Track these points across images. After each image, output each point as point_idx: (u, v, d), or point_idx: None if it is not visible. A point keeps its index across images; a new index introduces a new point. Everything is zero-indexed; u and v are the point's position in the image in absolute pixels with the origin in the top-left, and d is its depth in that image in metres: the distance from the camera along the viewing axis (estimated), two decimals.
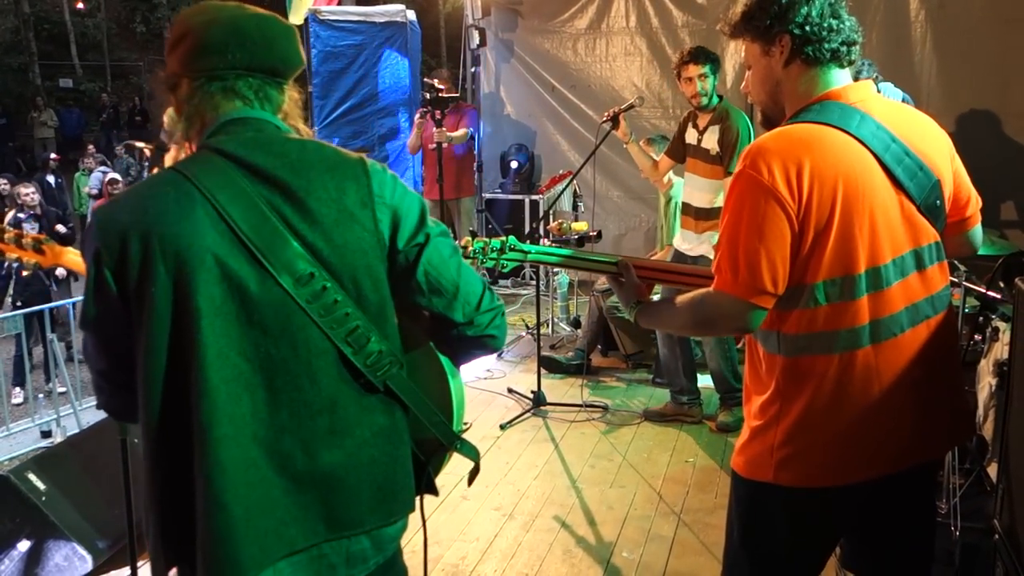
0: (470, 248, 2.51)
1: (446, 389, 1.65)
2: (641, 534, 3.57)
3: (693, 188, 4.46)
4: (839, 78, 1.78)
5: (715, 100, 4.34)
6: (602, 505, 3.83)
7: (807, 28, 1.74)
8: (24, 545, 3.42)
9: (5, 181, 10.17)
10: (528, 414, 4.86)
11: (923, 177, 1.74)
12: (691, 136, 4.47)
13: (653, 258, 5.18)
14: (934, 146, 1.78)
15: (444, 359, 1.66)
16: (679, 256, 4.53)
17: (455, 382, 1.67)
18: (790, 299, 1.71)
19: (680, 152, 4.59)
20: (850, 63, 1.79)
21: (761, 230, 1.66)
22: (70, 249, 2.47)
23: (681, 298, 1.86)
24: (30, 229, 6.45)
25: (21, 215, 7.20)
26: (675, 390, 4.73)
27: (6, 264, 6.82)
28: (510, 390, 5.19)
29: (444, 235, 1.58)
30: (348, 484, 1.48)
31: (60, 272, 6.95)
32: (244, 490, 1.39)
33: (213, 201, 1.39)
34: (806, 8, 1.74)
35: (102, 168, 12.54)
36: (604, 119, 4.62)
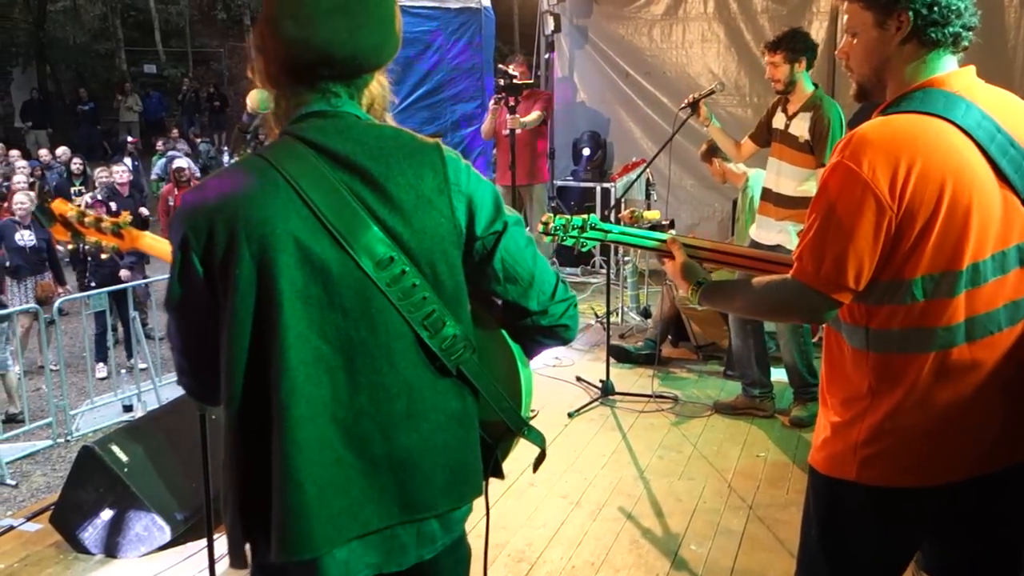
0: (551, 224, 2.50)
1: (515, 376, 1.65)
2: (710, 528, 3.52)
3: (776, 174, 4.35)
4: (948, 64, 1.69)
5: (807, 87, 4.23)
6: (670, 497, 3.79)
7: (934, 9, 1.63)
8: (107, 514, 3.55)
9: (80, 160, 10.51)
10: (596, 403, 4.83)
11: None
12: (779, 121, 4.36)
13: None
14: None
15: (515, 347, 1.66)
16: (754, 246, 4.41)
17: (524, 370, 1.67)
18: (884, 294, 1.66)
19: (764, 137, 4.49)
20: (964, 49, 1.70)
21: (853, 226, 1.61)
22: (147, 233, 2.51)
23: (757, 280, 1.82)
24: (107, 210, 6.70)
25: (99, 197, 7.47)
26: (747, 382, 4.64)
27: (82, 246, 7.09)
28: (578, 378, 5.17)
29: (519, 224, 1.58)
30: (423, 468, 1.49)
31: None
32: (319, 469, 1.41)
33: (295, 186, 1.41)
34: None
35: (169, 153, 12.88)
36: (683, 105, 4.55)
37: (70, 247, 3.03)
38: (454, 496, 1.54)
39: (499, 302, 1.61)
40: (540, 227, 2.56)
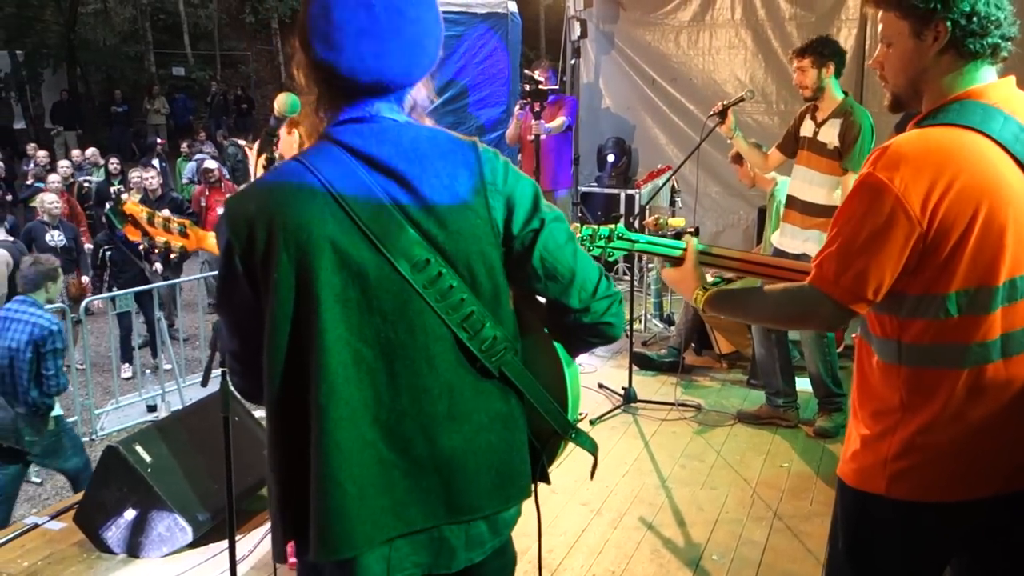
0: (578, 235, 2.49)
1: (561, 377, 1.64)
2: (732, 538, 3.49)
3: (803, 181, 4.31)
4: (986, 75, 1.66)
5: (836, 94, 4.19)
6: (692, 506, 3.76)
7: (973, 19, 1.59)
8: (130, 514, 3.57)
9: (117, 160, 10.61)
10: (618, 410, 4.81)
11: None
12: (807, 128, 4.32)
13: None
14: None
15: (560, 347, 1.65)
16: (779, 254, 4.37)
17: (570, 370, 1.66)
18: (916, 308, 1.64)
19: (792, 147, 4.44)
20: (1003, 60, 1.66)
21: (879, 240, 1.59)
22: (212, 233, 2.58)
23: (771, 287, 1.80)
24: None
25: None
26: (771, 392, 4.60)
27: (102, 252, 7.19)
28: (601, 385, 5.15)
29: (559, 220, 1.56)
30: (467, 469, 1.50)
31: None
32: (358, 470, 1.43)
33: (332, 190, 1.42)
34: None
35: (198, 156, 12.99)
36: (712, 113, 4.52)
37: (141, 246, 3.14)
38: (500, 498, 1.54)
39: (542, 301, 1.60)
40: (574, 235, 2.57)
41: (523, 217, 1.51)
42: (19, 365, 4.41)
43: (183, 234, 2.50)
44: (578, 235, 2.47)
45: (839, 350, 4.55)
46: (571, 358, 1.67)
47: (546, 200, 1.57)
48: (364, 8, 1.41)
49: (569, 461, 1.72)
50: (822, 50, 4.14)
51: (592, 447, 1.67)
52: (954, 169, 1.56)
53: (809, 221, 4.24)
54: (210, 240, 2.54)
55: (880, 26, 1.72)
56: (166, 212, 2.63)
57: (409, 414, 1.46)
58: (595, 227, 2.49)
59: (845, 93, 4.23)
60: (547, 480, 1.67)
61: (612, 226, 2.45)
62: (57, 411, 4.65)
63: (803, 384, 4.61)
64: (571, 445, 1.67)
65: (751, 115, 7.11)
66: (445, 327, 1.47)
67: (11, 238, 6.80)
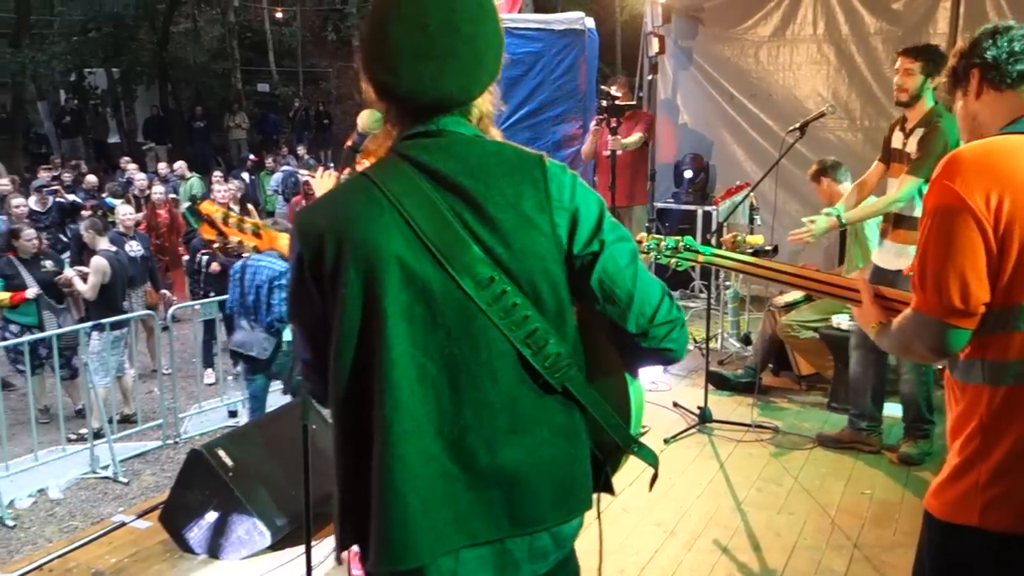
0: (644, 243, 2.50)
1: (624, 392, 1.64)
2: (810, 565, 3.40)
3: None
4: None
5: (928, 103, 4.03)
6: (769, 531, 3.68)
7: (991, 56, 1.77)
8: (212, 516, 3.67)
9: (220, 175, 11.00)
10: (693, 430, 4.75)
11: None
12: (897, 140, 4.20)
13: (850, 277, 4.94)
14: None
15: None
16: (878, 271, 4.21)
17: (634, 385, 1.66)
18: (995, 322, 1.60)
19: (888, 156, 4.33)
20: None
21: (950, 244, 1.58)
22: (284, 234, 2.66)
23: (897, 317, 1.79)
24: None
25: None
26: (855, 413, 4.46)
27: (198, 259, 7.42)
28: (675, 404, 5.09)
29: (622, 240, 1.54)
30: (530, 482, 1.50)
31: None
32: (422, 483, 1.44)
33: (399, 206, 1.44)
34: (988, 43, 1.76)
35: (285, 169, 13.36)
36: (791, 129, 4.44)
37: (215, 245, 3.30)
38: (563, 510, 1.54)
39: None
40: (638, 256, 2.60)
41: (584, 238, 1.51)
42: (262, 298, 5.56)
43: (256, 234, 2.57)
44: (644, 243, 2.48)
45: (936, 368, 4.36)
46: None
47: (622, 216, 1.56)
48: (420, 29, 1.43)
49: (641, 482, 1.70)
50: (936, 59, 3.97)
51: (653, 460, 1.65)
52: (1012, 169, 1.59)
53: (903, 235, 4.10)
54: (281, 241, 2.60)
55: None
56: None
57: (472, 428, 1.47)
58: (660, 237, 2.50)
59: (936, 102, 4.09)
60: (611, 491, 1.67)
61: (679, 238, 2.46)
62: (286, 336, 5.65)
63: (889, 410, 4.47)
64: (642, 464, 1.66)
65: (833, 131, 6.97)
66: (508, 344, 1.47)
67: (113, 248, 7.07)
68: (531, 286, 1.47)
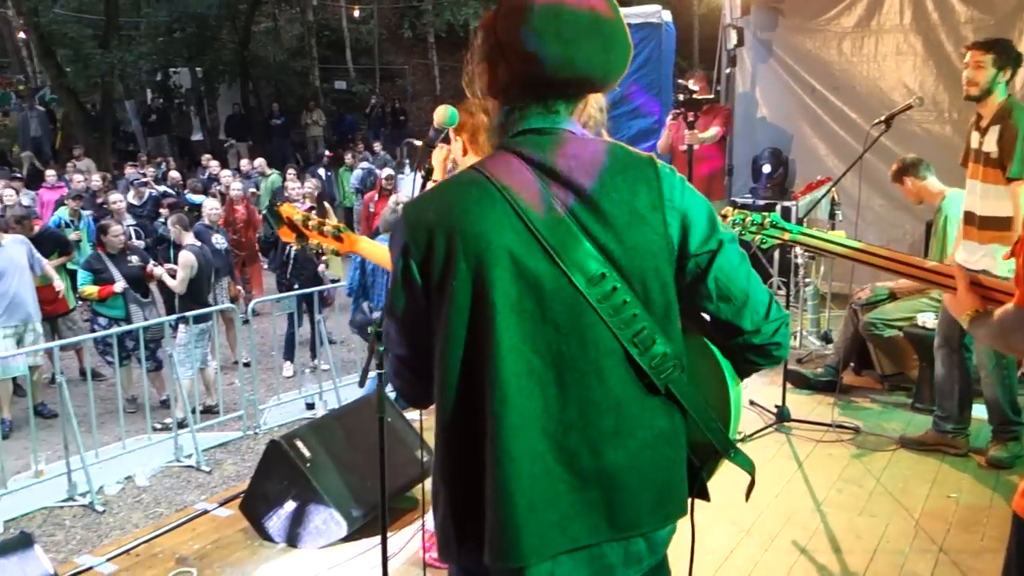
0: (729, 218, 2.45)
1: (725, 395, 1.62)
2: (893, 569, 3.30)
3: (975, 195, 4.05)
4: None
5: (1000, 97, 3.90)
6: (850, 533, 3.58)
7: None
8: (290, 506, 3.75)
9: (293, 172, 11.24)
10: (771, 429, 4.66)
11: None
12: (974, 140, 4.06)
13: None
14: None
15: (725, 364, 1.62)
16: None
17: (735, 389, 1.64)
18: None
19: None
20: None
21: None
22: (364, 238, 2.69)
23: (998, 309, 1.74)
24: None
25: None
26: (941, 415, 4.31)
27: (287, 249, 7.54)
28: (752, 402, 4.99)
29: (734, 241, 1.55)
30: (630, 485, 1.48)
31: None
32: (529, 481, 1.43)
33: (511, 201, 1.44)
34: None
35: (363, 165, 13.53)
36: (876, 122, 4.31)
37: (295, 248, 3.34)
38: (660, 516, 1.53)
39: (708, 319, 1.58)
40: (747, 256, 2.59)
41: (700, 237, 1.50)
42: (379, 282, 5.94)
43: (336, 237, 2.58)
44: (729, 218, 2.43)
45: (1020, 372, 4.21)
46: (736, 376, 1.64)
47: None
48: (588, 9, 1.45)
49: (718, 477, 1.68)
50: (1008, 52, 3.86)
51: (750, 467, 1.63)
52: None
53: (986, 235, 3.99)
54: (362, 244, 2.62)
55: None
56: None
57: (576, 427, 1.46)
58: (746, 213, 2.45)
59: (1008, 95, 3.94)
60: (707, 497, 1.64)
61: (765, 214, 2.40)
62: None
63: (976, 412, 4.31)
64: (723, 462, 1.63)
65: (920, 124, 6.74)
66: (616, 342, 1.46)
67: (199, 243, 7.28)
68: (641, 284, 1.47)
